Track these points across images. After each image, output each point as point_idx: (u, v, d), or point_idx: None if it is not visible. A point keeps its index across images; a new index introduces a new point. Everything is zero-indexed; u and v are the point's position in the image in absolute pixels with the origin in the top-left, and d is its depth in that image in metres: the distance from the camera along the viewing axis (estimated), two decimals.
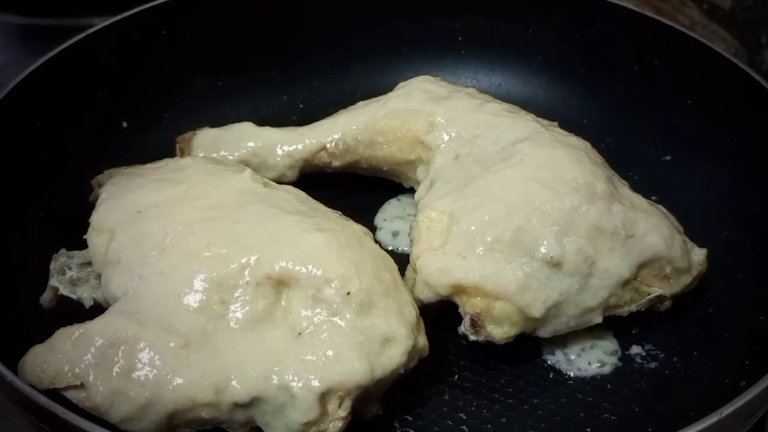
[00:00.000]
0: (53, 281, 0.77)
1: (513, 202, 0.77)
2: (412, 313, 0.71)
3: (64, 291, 0.77)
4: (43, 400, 0.61)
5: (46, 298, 0.78)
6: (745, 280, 0.83)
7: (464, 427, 0.74)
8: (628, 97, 1.05)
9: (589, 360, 0.79)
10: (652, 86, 1.02)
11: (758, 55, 1.17)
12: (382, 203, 0.96)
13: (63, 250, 0.80)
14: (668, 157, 0.99)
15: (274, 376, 0.65)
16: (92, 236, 0.75)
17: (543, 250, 0.75)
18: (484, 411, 0.75)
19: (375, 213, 0.94)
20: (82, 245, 0.78)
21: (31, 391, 0.62)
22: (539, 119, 0.89)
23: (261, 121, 0.96)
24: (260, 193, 0.77)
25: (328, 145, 0.92)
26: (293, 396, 0.64)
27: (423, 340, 0.72)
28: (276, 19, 1.07)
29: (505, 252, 0.75)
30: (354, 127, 0.91)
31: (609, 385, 0.77)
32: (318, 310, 0.68)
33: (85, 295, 0.76)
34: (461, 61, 1.12)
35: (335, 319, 0.67)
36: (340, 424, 0.65)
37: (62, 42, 0.93)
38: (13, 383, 0.63)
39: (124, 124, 0.99)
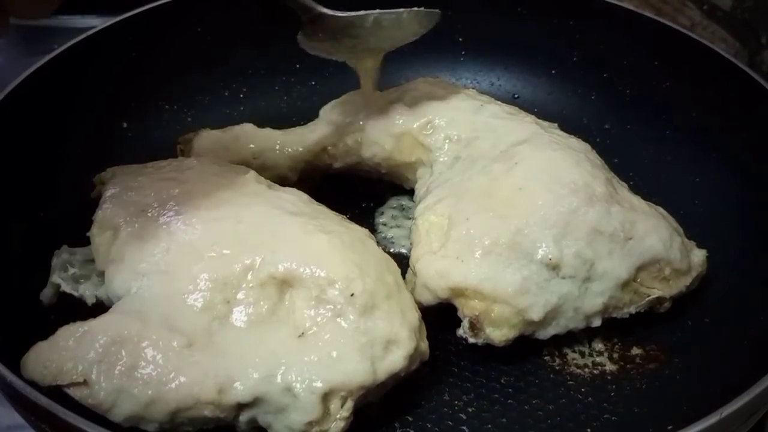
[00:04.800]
0: (55, 278, 0.77)
1: (511, 205, 0.77)
2: (414, 316, 0.72)
3: (66, 288, 0.77)
4: (43, 400, 0.61)
5: (47, 294, 0.78)
6: (745, 281, 0.83)
7: (464, 427, 0.74)
8: (628, 98, 1.05)
9: (590, 360, 0.79)
10: (652, 86, 1.02)
11: (758, 56, 1.17)
12: (383, 205, 0.96)
13: (65, 247, 0.80)
14: (668, 158, 0.99)
15: (276, 376, 0.65)
16: (96, 233, 0.76)
17: (541, 252, 0.75)
18: (484, 411, 0.75)
19: (375, 215, 0.95)
20: (84, 243, 0.78)
21: (32, 391, 0.62)
22: (539, 121, 0.89)
23: (261, 122, 0.96)
24: (264, 195, 0.77)
25: (328, 147, 0.92)
26: (296, 396, 0.65)
27: (424, 344, 0.72)
28: (276, 20, 1.07)
29: (503, 255, 0.75)
30: (354, 129, 0.91)
31: (609, 386, 0.77)
32: (321, 310, 0.68)
33: (87, 292, 0.77)
34: (461, 62, 1.12)
35: (338, 320, 0.68)
36: (342, 425, 0.66)
37: (62, 42, 0.94)
38: (13, 383, 0.63)
39: (125, 125, 0.99)
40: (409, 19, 0.85)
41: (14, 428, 0.83)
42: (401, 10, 0.84)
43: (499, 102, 0.92)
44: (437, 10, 0.86)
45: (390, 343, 0.68)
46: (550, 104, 1.08)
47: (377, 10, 0.83)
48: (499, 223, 0.76)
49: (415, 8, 0.84)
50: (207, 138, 0.93)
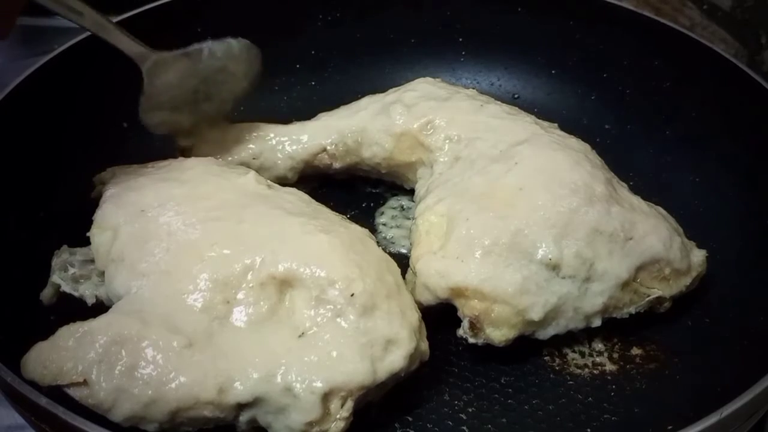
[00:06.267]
0: (55, 278, 0.78)
1: (511, 205, 0.77)
2: (414, 316, 0.72)
3: (66, 288, 0.77)
4: (43, 400, 0.61)
5: (46, 294, 0.78)
6: (745, 281, 0.83)
7: (464, 428, 0.74)
8: (628, 98, 1.05)
9: (590, 360, 0.79)
10: (652, 86, 1.03)
11: (758, 56, 1.17)
12: (383, 205, 0.96)
13: (65, 247, 0.80)
14: (668, 158, 0.99)
15: (276, 376, 0.65)
16: (96, 234, 0.76)
17: (541, 252, 0.75)
18: (484, 411, 0.75)
19: (375, 215, 0.95)
20: (84, 243, 0.78)
21: (32, 391, 0.63)
22: (539, 121, 0.89)
23: (261, 122, 0.96)
24: (264, 195, 0.77)
25: (328, 147, 0.92)
26: (296, 396, 0.65)
27: (424, 344, 0.72)
28: (276, 20, 1.07)
29: (503, 255, 0.75)
30: (354, 129, 0.91)
31: (609, 386, 0.77)
32: (321, 311, 0.68)
33: (87, 292, 0.77)
34: (461, 62, 1.13)
35: (338, 320, 0.68)
36: (342, 425, 0.66)
37: (62, 42, 0.94)
38: (13, 383, 0.63)
39: (125, 125, 0.99)
40: (239, 50, 0.88)
41: (14, 428, 0.83)
42: (229, 38, 0.87)
43: (499, 102, 0.92)
44: (256, 47, 0.89)
45: (390, 343, 0.68)
46: (550, 104, 1.08)
47: (209, 40, 0.86)
48: (499, 223, 0.76)
49: (241, 38, 0.88)
50: (207, 138, 0.93)
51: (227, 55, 0.87)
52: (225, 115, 0.94)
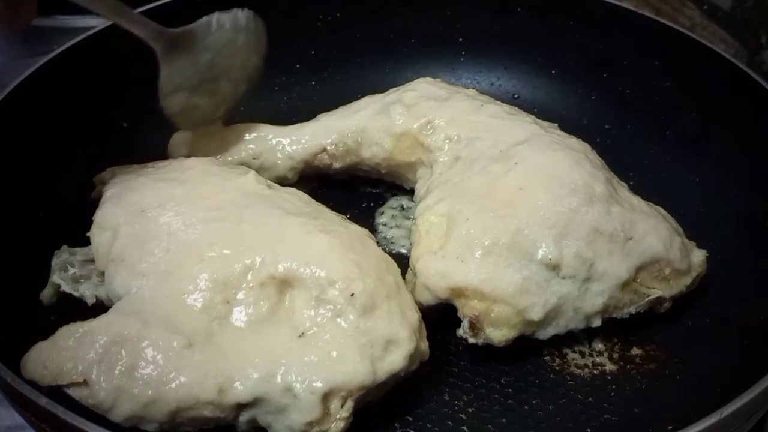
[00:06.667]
0: (55, 278, 0.78)
1: (512, 205, 0.77)
2: (414, 316, 0.72)
3: (66, 288, 0.77)
4: (43, 400, 0.61)
5: (46, 294, 0.78)
6: (745, 281, 0.83)
7: (464, 428, 0.74)
8: (628, 98, 1.05)
9: (590, 360, 0.79)
10: (652, 86, 1.03)
11: (758, 56, 1.17)
12: (383, 205, 0.96)
13: (65, 247, 0.80)
14: (668, 158, 0.99)
15: (276, 376, 0.65)
16: (96, 234, 0.76)
17: (541, 252, 0.75)
18: (484, 411, 0.75)
19: (375, 215, 0.95)
20: (84, 243, 0.78)
21: (32, 391, 0.63)
22: (539, 121, 0.89)
23: (261, 122, 0.96)
24: (264, 195, 0.77)
25: (328, 147, 0.92)
26: (296, 396, 0.65)
27: (424, 344, 0.72)
28: (275, 20, 1.07)
29: (503, 255, 0.75)
30: (354, 129, 0.91)
31: (609, 386, 0.77)
32: (321, 311, 0.68)
33: (87, 292, 0.77)
34: (461, 62, 1.13)
35: (338, 320, 0.68)
36: (342, 425, 0.66)
37: (62, 42, 0.94)
38: (13, 383, 0.63)
39: (125, 125, 0.99)
40: (246, 20, 0.88)
41: (14, 428, 0.83)
42: (234, 9, 0.88)
43: (499, 102, 0.92)
44: (260, 18, 0.90)
45: (390, 343, 0.68)
46: (550, 104, 1.08)
47: (215, 12, 0.87)
48: (499, 223, 0.76)
49: (245, 9, 0.89)
50: (207, 138, 0.93)
51: (235, 27, 0.88)
52: (231, 110, 0.94)
